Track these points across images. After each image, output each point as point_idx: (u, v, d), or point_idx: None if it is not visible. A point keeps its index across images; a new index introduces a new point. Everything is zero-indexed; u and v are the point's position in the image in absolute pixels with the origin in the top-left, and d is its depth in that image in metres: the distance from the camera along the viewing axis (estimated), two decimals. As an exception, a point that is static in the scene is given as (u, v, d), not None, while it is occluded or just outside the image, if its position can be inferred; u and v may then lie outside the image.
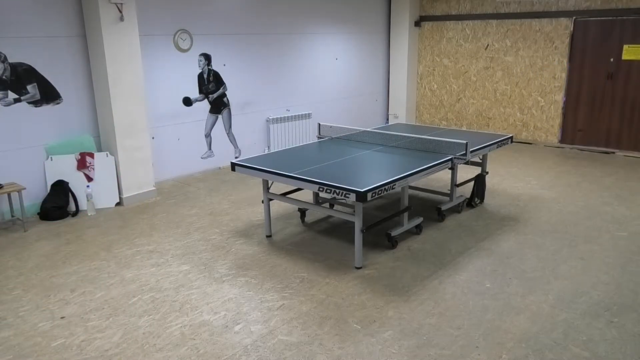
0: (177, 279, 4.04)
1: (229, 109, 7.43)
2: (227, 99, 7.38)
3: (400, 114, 10.07)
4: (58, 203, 5.44)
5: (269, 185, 4.71)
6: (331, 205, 5.40)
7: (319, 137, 5.90)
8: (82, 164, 5.70)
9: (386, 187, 3.92)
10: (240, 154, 7.68)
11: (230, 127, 7.50)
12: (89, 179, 5.72)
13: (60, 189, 5.52)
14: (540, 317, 3.41)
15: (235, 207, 5.76)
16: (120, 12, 5.47)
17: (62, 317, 3.50)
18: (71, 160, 5.67)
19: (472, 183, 5.63)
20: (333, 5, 8.67)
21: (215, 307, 3.60)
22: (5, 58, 5.16)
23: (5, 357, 3.07)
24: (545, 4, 8.37)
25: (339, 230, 5.00)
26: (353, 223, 4.15)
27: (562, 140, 8.69)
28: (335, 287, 3.85)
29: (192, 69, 6.86)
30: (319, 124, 6.00)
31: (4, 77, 5.17)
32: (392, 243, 4.53)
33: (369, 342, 3.16)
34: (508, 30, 8.87)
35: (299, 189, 4.89)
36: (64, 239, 4.91)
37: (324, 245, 4.66)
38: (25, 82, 5.33)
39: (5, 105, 5.22)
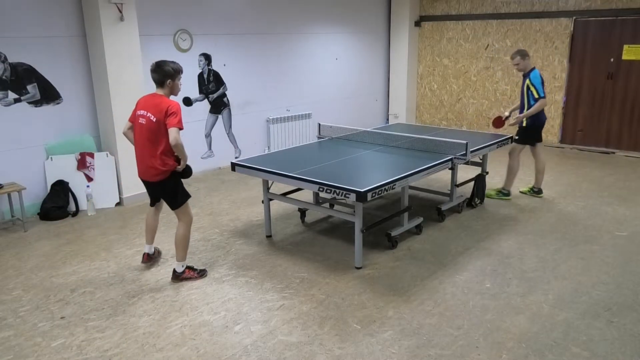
0: (177, 279, 4.04)
1: (229, 109, 7.43)
2: (227, 99, 7.38)
3: (400, 114, 10.07)
4: (58, 203, 5.44)
5: (269, 185, 4.71)
6: (331, 205, 5.40)
7: (319, 137, 5.90)
8: (82, 164, 5.70)
9: (386, 187, 3.92)
10: (240, 154, 7.68)
11: (230, 127, 7.50)
12: (89, 179, 5.72)
13: (60, 189, 5.52)
14: (540, 317, 3.41)
15: (235, 207, 5.76)
16: (120, 12, 5.47)
17: (62, 317, 3.50)
18: (71, 160, 5.67)
19: (472, 183, 5.63)
20: (333, 5, 8.66)
21: (215, 307, 3.60)
22: (6, 58, 5.16)
23: (5, 357, 3.07)
24: (545, 4, 8.37)
25: (339, 230, 4.99)
26: (353, 223, 4.15)
27: (562, 140, 8.69)
28: (335, 287, 3.85)
29: (192, 69, 6.86)
30: (319, 124, 6.00)
31: (4, 77, 5.17)
32: (392, 243, 4.52)
33: (369, 342, 3.16)
34: (508, 30, 8.86)
35: (299, 189, 4.89)
36: (64, 239, 4.91)
37: (324, 245, 4.66)
38: (25, 82, 5.33)
39: (5, 105, 5.22)
